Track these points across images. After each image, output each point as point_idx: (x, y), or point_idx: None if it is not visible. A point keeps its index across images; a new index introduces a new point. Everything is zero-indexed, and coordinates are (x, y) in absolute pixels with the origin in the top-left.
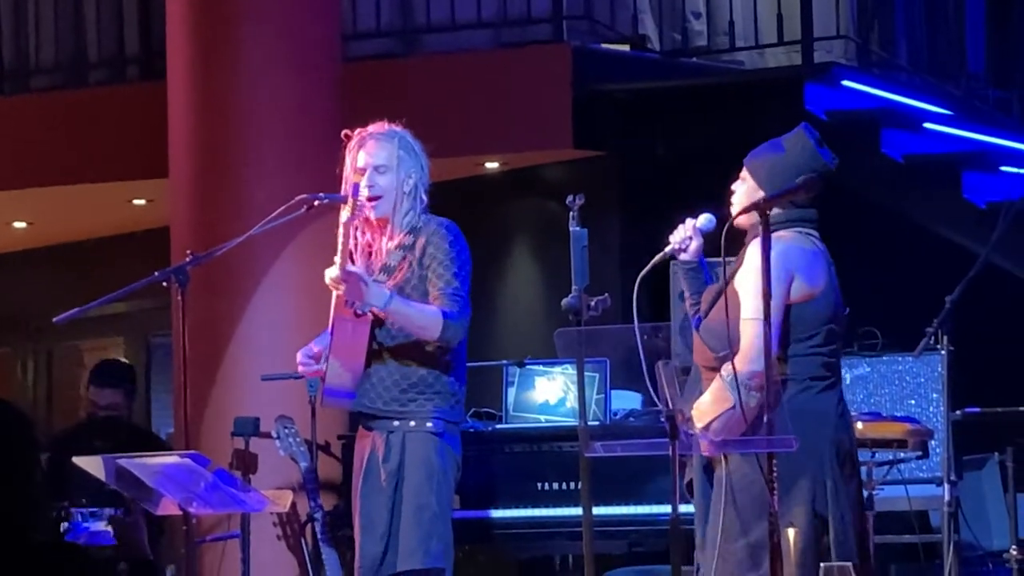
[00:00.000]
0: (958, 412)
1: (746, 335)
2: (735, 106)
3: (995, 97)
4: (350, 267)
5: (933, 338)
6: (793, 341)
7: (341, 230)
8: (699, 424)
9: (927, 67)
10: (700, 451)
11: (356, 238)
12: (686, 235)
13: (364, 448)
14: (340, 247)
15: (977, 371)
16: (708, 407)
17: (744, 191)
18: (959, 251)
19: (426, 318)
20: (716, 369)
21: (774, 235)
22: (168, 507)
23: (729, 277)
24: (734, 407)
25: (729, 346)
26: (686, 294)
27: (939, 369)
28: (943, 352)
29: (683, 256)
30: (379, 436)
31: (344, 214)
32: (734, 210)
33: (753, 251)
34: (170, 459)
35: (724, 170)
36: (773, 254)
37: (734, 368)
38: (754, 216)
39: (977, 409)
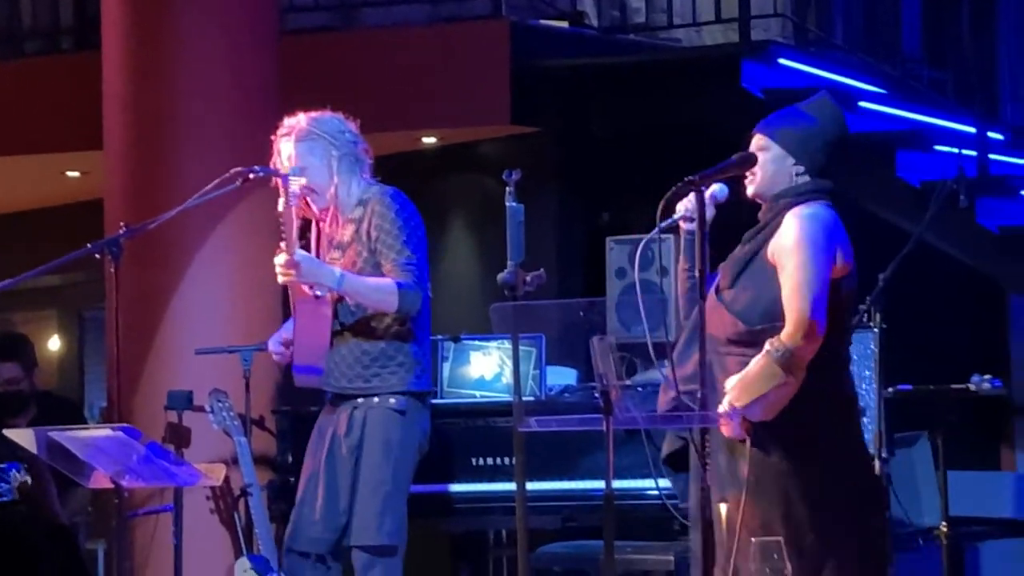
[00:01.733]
0: (890, 389)
1: (801, 304)
2: (672, 83)
3: (930, 77)
4: (298, 253)
5: (866, 315)
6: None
7: (284, 219)
8: (740, 402)
9: (863, 46)
10: (730, 432)
11: (300, 220)
12: (694, 204)
13: (327, 425)
14: (288, 235)
15: (909, 349)
16: (755, 384)
17: (771, 159)
18: (892, 229)
19: (381, 292)
20: (743, 343)
21: (806, 205)
22: (100, 480)
23: (759, 247)
24: (784, 384)
25: (770, 320)
26: (682, 264)
27: (872, 346)
28: (876, 330)
29: (690, 226)
30: (344, 412)
31: (280, 203)
32: (754, 183)
33: (792, 222)
34: (102, 432)
35: (660, 146)
36: (816, 225)
37: (782, 342)
38: (778, 182)
39: (909, 387)
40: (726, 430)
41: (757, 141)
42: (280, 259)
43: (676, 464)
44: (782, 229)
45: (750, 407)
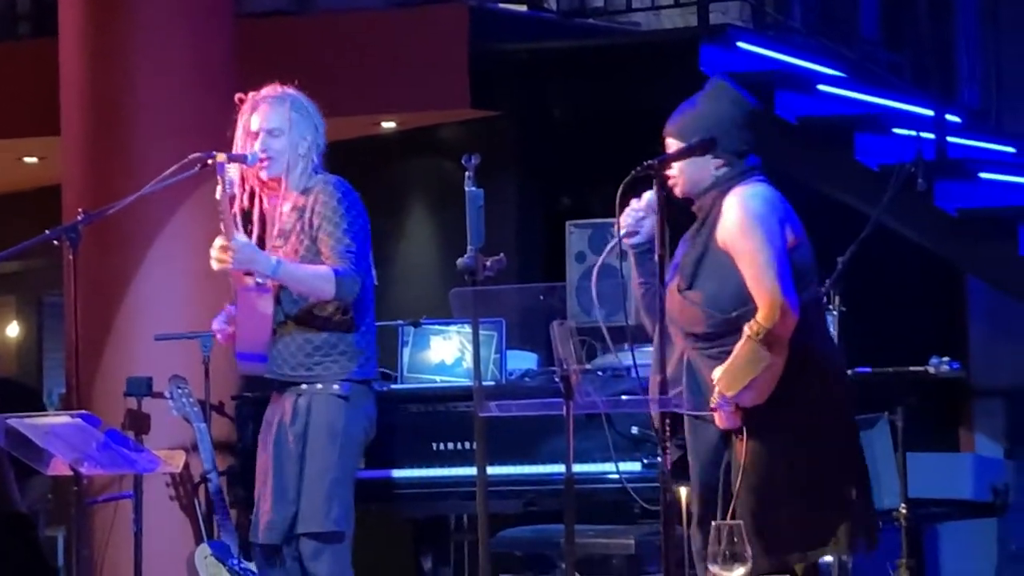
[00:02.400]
0: (849, 372)
1: (768, 285)
2: (631, 67)
3: (888, 60)
4: (236, 239)
5: (825, 298)
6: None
7: (223, 206)
8: (732, 391)
9: (821, 29)
10: (725, 423)
11: (244, 204)
12: (637, 216)
13: (273, 414)
14: (223, 223)
15: (868, 331)
16: (743, 370)
17: (689, 160)
18: (851, 212)
19: (318, 279)
20: (721, 334)
21: (742, 186)
22: (59, 467)
23: (706, 240)
24: (771, 364)
25: (743, 303)
26: (637, 279)
27: (832, 329)
28: (835, 312)
29: (635, 239)
30: (288, 401)
31: (218, 191)
32: (679, 185)
33: (734, 204)
34: (61, 419)
35: (620, 130)
36: (759, 202)
37: (760, 324)
38: (701, 179)
39: (868, 369)
40: (721, 421)
41: (670, 144)
42: (216, 244)
43: (681, 473)
44: (725, 213)
45: (741, 394)
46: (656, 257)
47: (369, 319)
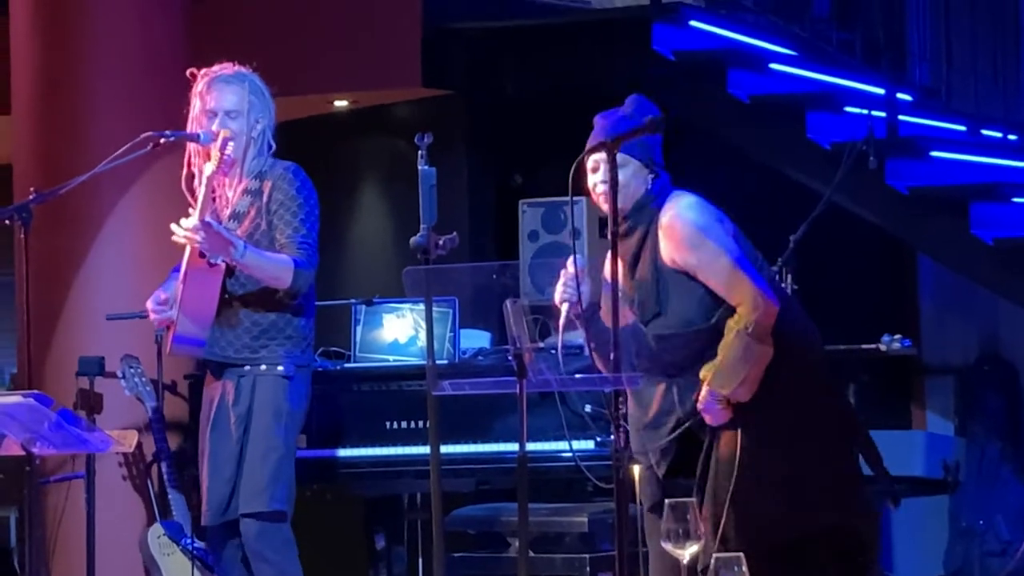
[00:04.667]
0: None
1: (742, 284)
2: (583, 46)
3: (839, 39)
4: (208, 219)
5: (777, 276)
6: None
7: (204, 183)
8: (727, 389)
9: (773, 8)
10: (717, 420)
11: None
12: (573, 286)
13: (213, 395)
14: (201, 199)
15: (820, 309)
16: (737, 367)
17: (632, 173)
18: (803, 191)
19: (278, 268)
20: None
21: (669, 201)
22: (10, 447)
23: (652, 268)
24: (761, 356)
25: (715, 308)
26: (591, 344)
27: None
28: (788, 291)
29: (575, 311)
30: (229, 382)
31: (209, 167)
32: (619, 201)
33: (673, 221)
34: (12, 399)
35: (572, 110)
36: (695, 212)
37: (745, 319)
38: (635, 193)
39: None
40: (712, 419)
41: (610, 159)
42: (189, 222)
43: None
44: (666, 233)
45: (737, 390)
46: (609, 250)
47: (313, 306)
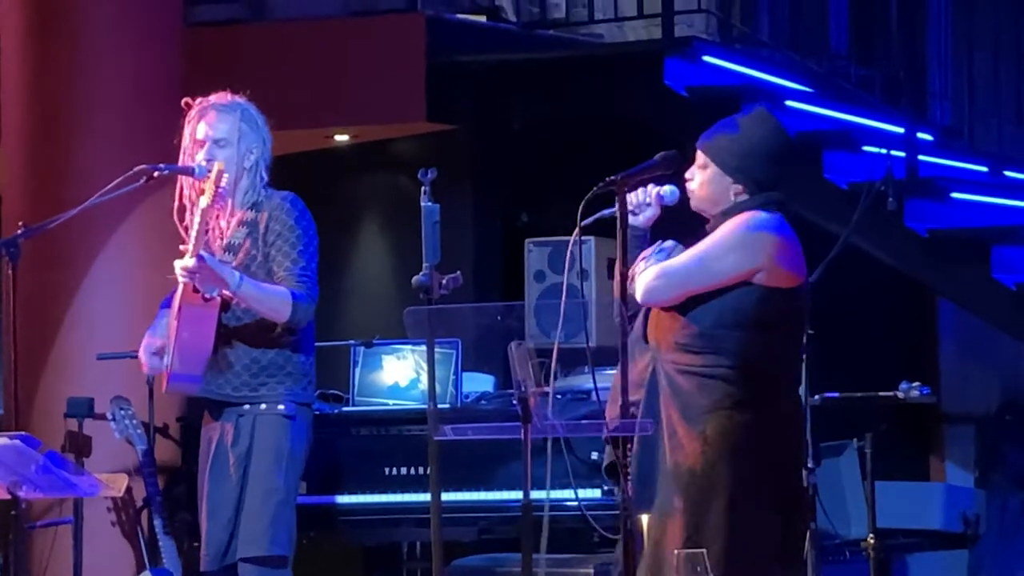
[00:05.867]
0: (817, 397)
1: (670, 274)
2: (594, 80)
3: (858, 75)
4: (203, 254)
5: None
6: None
7: (198, 217)
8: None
9: (789, 43)
10: None
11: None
12: (645, 200)
13: (211, 435)
14: (195, 235)
15: (836, 355)
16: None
17: (709, 178)
18: (820, 232)
19: (276, 300)
20: (692, 349)
21: (752, 212)
22: None
23: None
24: None
25: (722, 326)
26: (621, 259)
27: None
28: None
29: (633, 221)
30: (228, 422)
31: (203, 200)
32: (694, 198)
33: (731, 221)
34: None
35: (582, 145)
36: (756, 224)
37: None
38: (718, 200)
39: (836, 394)
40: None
41: (698, 158)
42: (186, 261)
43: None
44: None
45: None
46: (617, 273)
47: (312, 341)
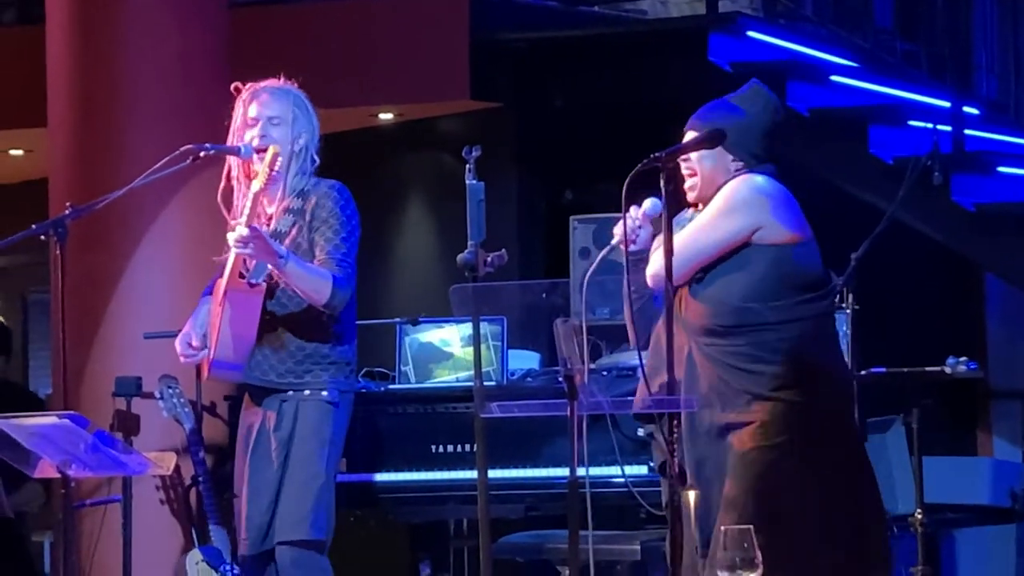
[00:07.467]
0: (863, 372)
1: (683, 251)
2: (637, 57)
3: (903, 50)
4: (255, 225)
5: (838, 296)
6: None
7: (250, 198)
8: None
9: (834, 18)
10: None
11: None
12: (634, 225)
13: (252, 421)
14: (248, 211)
15: (883, 330)
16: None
17: (707, 156)
18: (865, 207)
19: (319, 280)
20: (722, 330)
21: (748, 174)
22: (46, 469)
23: None
24: None
25: (752, 299)
26: (629, 287)
27: (844, 328)
28: (848, 311)
29: (631, 248)
30: (270, 408)
31: (256, 184)
32: (694, 184)
33: (730, 183)
34: (48, 420)
35: (625, 122)
36: (750, 189)
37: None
38: (716, 179)
39: (883, 369)
40: None
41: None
42: (240, 230)
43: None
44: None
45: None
46: (663, 254)
47: (355, 332)
